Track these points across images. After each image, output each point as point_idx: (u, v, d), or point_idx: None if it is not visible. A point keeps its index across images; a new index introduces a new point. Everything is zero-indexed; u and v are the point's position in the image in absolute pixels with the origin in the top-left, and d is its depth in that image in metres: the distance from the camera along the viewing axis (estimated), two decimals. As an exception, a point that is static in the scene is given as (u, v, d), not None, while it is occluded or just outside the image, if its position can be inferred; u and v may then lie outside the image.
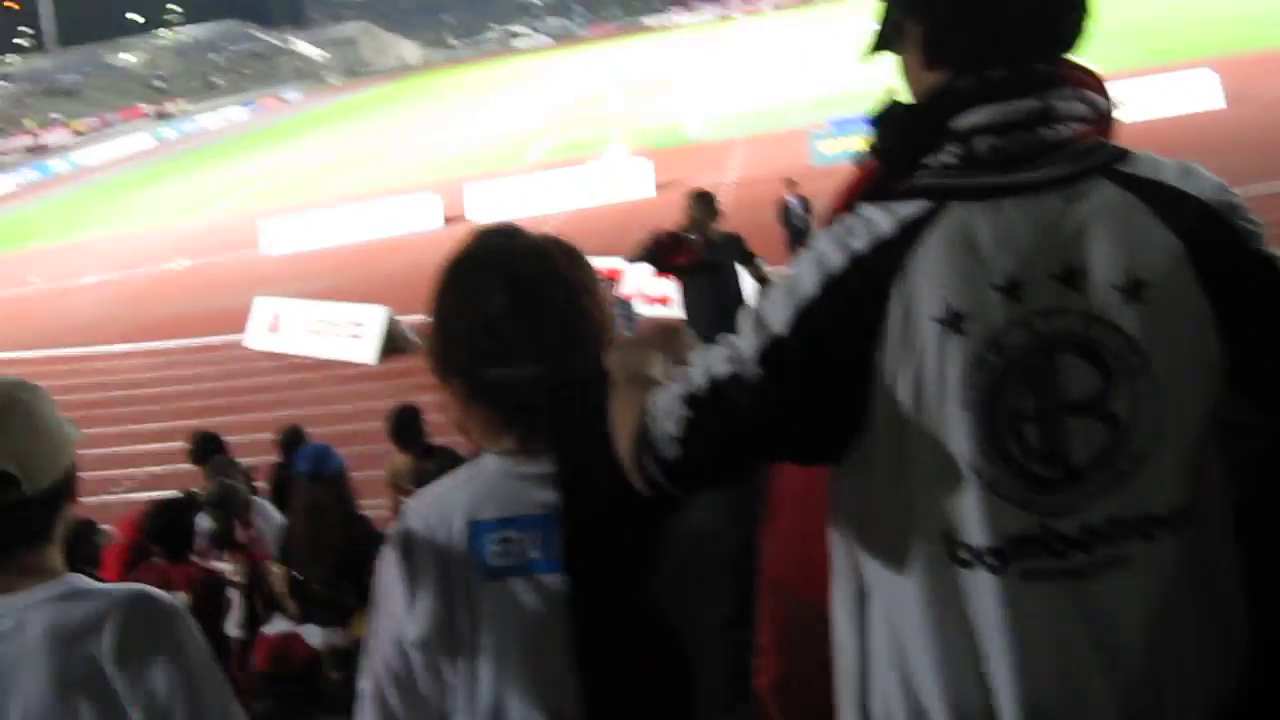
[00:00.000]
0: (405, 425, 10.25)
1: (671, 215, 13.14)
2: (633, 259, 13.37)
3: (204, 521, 9.30)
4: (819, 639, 2.26)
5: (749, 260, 12.68)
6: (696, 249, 12.67)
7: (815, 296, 2.00)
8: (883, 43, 2.23)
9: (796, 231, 21.25)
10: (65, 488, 2.91)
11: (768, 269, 12.52)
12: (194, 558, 8.78)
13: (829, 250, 2.03)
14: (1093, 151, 2.03)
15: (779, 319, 2.02)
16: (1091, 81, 2.10)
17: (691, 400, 2.07)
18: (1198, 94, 31.48)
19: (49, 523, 2.89)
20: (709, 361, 2.09)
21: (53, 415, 2.92)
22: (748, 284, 12.71)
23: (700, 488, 2.19)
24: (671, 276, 13.45)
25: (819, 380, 2.00)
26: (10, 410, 2.83)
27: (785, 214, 21.50)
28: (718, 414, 2.05)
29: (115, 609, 2.79)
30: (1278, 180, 19.87)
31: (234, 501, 9.25)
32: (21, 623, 2.78)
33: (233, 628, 8.47)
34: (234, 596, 8.57)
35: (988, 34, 2.05)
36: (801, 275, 2.04)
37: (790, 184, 21.85)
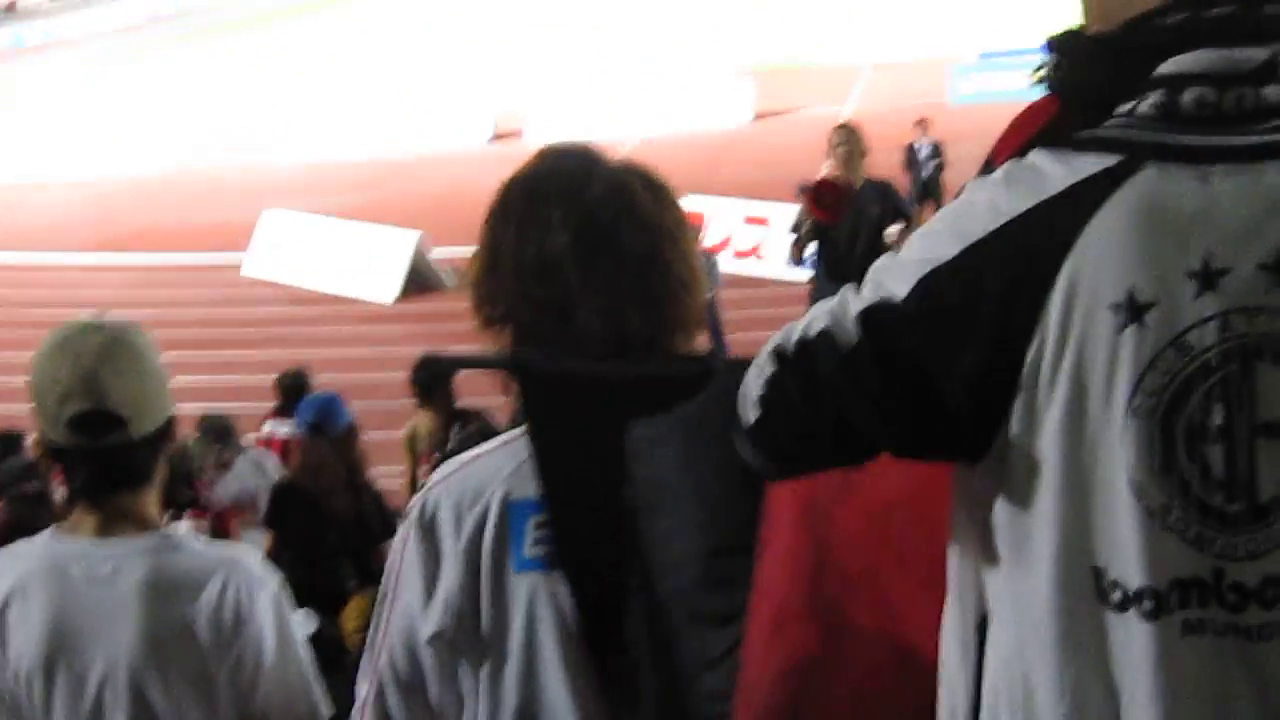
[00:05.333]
0: (433, 377, 10.21)
1: (770, 150, 12.94)
2: (795, 227, 13.04)
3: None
4: (849, 665, 2.24)
5: (901, 218, 12.41)
6: (846, 196, 12.30)
7: (949, 261, 1.92)
8: None
9: (923, 183, 21.19)
10: (168, 431, 3.34)
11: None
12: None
13: (977, 204, 1.95)
14: None
15: (899, 277, 1.97)
16: None
17: (779, 355, 2.05)
18: None
19: (151, 466, 3.32)
20: (815, 312, 2.04)
21: (158, 362, 3.34)
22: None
23: (792, 465, 2.15)
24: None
25: (933, 363, 1.94)
26: (120, 351, 3.23)
27: (911, 159, 21.44)
28: (799, 374, 2.02)
29: (214, 570, 3.24)
30: None
31: (180, 462, 9.35)
32: (118, 570, 3.20)
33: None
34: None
35: None
36: (937, 232, 1.98)
37: (921, 124, 21.76)
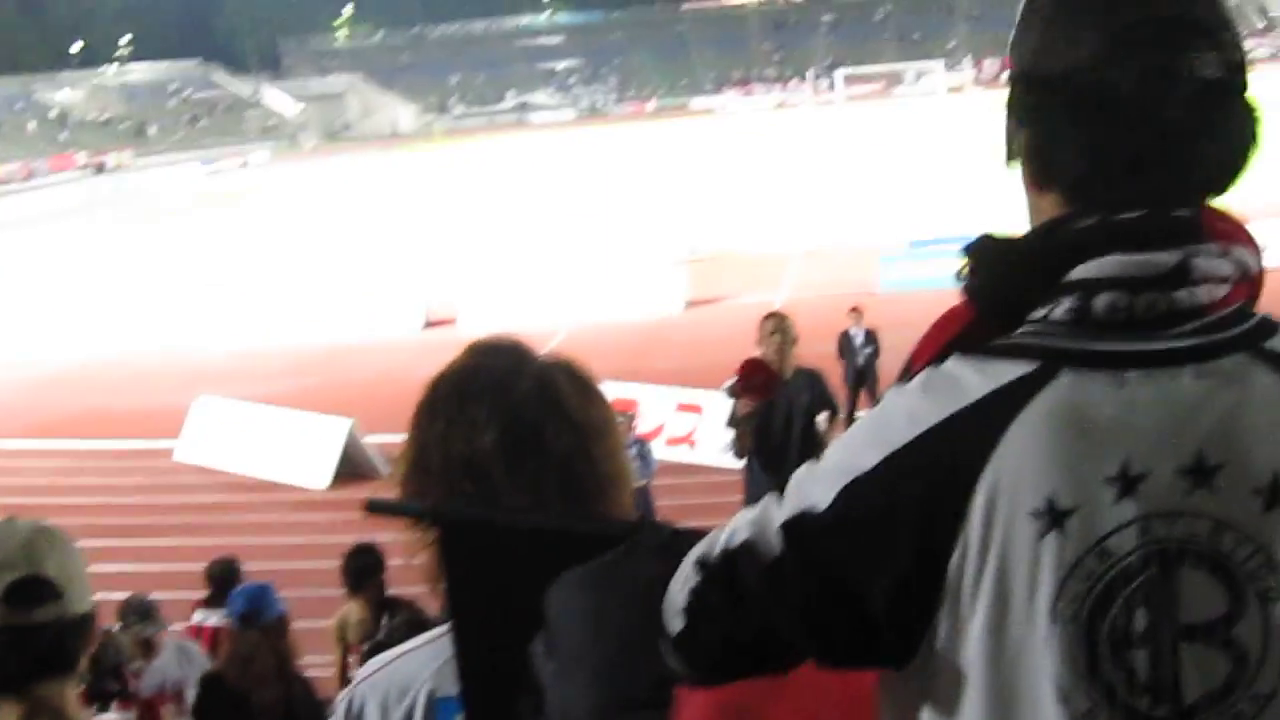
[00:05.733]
0: (363, 568, 10.20)
1: (702, 338, 13.03)
2: (731, 421, 13.15)
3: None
4: None
5: (827, 407, 12.62)
6: (773, 378, 12.57)
7: (869, 471, 1.93)
8: (1009, 151, 2.15)
9: (858, 370, 21.35)
10: (92, 622, 3.31)
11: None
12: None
13: (896, 414, 1.96)
14: (1236, 321, 1.95)
15: (820, 487, 1.97)
16: (1241, 235, 2.01)
17: (702, 565, 2.05)
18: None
19: (77, 653, 3.28)
20: (737, 522, 2.05)
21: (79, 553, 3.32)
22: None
23: (718, 673, 2.13)
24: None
25: (856, 573, 1.93)
26: (49, 532, 3.26)
27: (846, 346, 21.62)
28: (723, 585, 2.02)
29: None
30: None
31: (109, 654, 9.27)
32: None
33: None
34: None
35: (1112, 156, 1.97)
36: (857, 441, 1.98)
37: (855, 312, 21.97)
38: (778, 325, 12.79)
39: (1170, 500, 1.86)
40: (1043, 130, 2.05)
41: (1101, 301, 1.93)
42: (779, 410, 12.44)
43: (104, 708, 9.01)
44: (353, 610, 10.29)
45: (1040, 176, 2.07)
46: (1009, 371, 1.92)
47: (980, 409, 1.90)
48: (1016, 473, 1.87)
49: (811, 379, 12.89)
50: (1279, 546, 1.87)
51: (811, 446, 11.91)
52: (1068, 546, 1.86)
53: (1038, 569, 1.86)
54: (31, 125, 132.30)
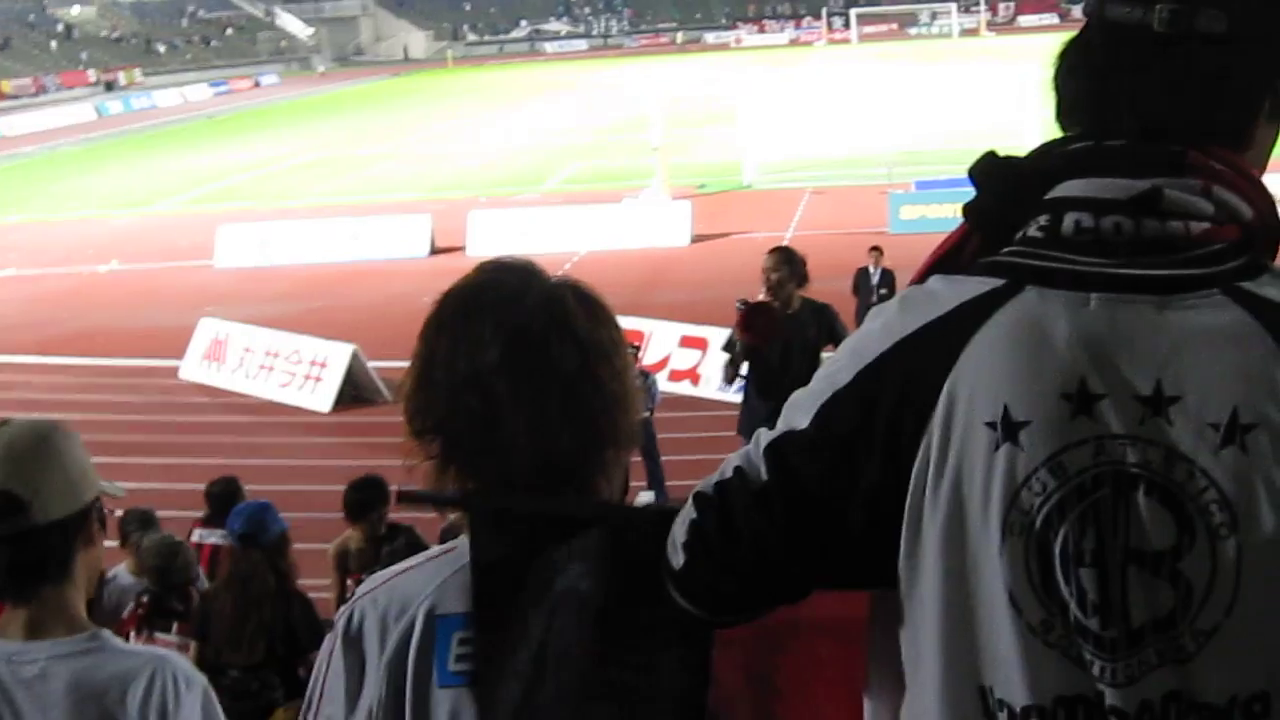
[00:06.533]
0: (365, 501, 10.14)
1: (705, 271, 12.86)
2: (728, 346, 13.03)
3: (125, 581, 9.27)
4: None
5: (837, 339, 12.13)
6: (775, 320, 12.34)
7: (845, 385, 2.00)
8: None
9: (871, 308, 21.33)
10: (80, 525, 3.39)
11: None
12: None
13: (874, 330, 2.04)
14: (1214, 258, 1.95)
15: (803, 410, 2.04)
16: (1233, 180, 2.01)
17: (699, 498, 2.10)
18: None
19: (66, 558, 3.37)
20: (731, 457, 2.10)
21: (75, 455, 3.42)
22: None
23: (721, 608, 2.16)
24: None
25: (835, 487, 1.99)
26: (30, 441, 3.35)
27: (861, 283, 21.61)
28: (717, 514, 2.06)
29: (141, 670, 3.33)
30: None
31: (178, 566, 9.14)
32: (45, 672, 3.28)
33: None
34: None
35: (1110, 94, 2.04)
36: (839, 359, 2.05)
37: (875, 251, 21.94)
38: (776, 261, 12.61)
39: (1125, 424, 1.89)
40: (1061, 69, 2.12)
41: (1069, 220, 2.00)
42: (778, 341, 12.28)
43: (165, 628, 8.89)
44: (353, 538, 10.27)
45: (1057, 111, 2.13)
46: (978, 287, 1.99)
47: (946, 321, 1.97)
48: (974, 383, 1.92)
49: (820, 312, 12.67)
50: (1232, 483, 1.87)
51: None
52: (1020, 458, 1.91)
53: (991, 479, 1.91)
54: (42, 40, 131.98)
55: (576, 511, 2.40)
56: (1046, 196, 2.02)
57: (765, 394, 12.29)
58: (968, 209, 2.14)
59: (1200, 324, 1.91)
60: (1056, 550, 1.89)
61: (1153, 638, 1.88)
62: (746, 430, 12.04)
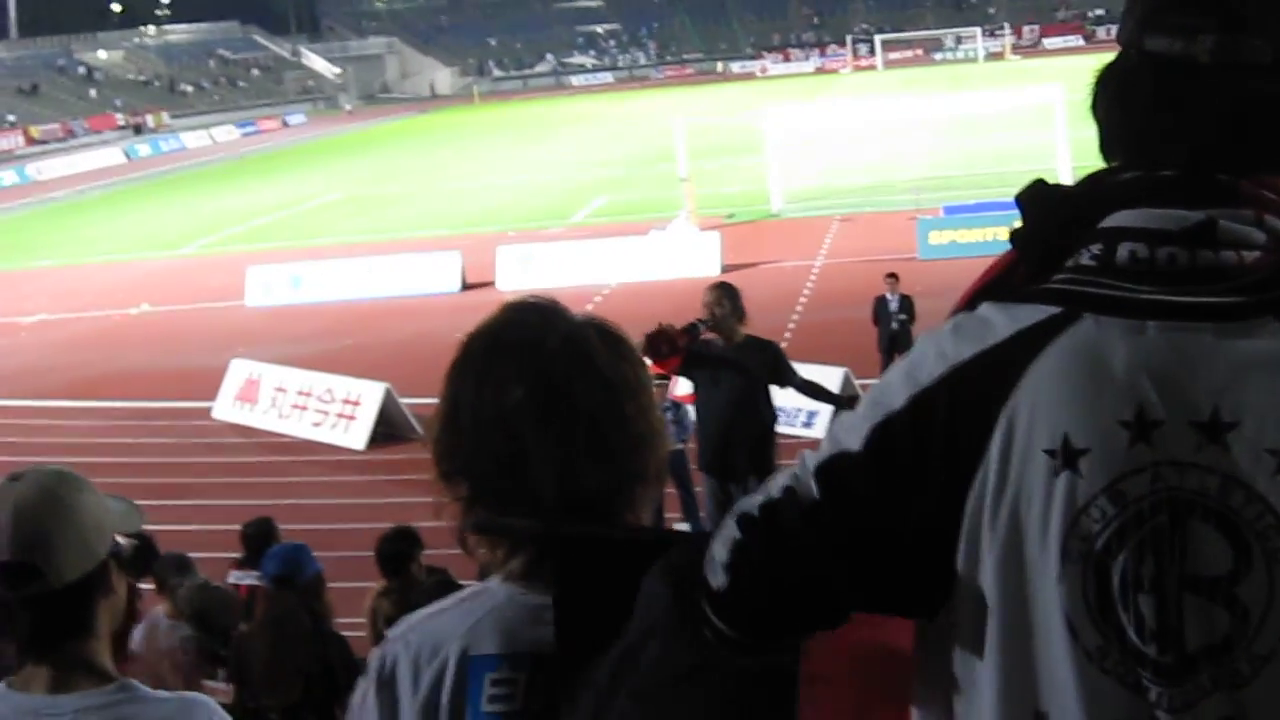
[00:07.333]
0: (398, 554, 9.86)
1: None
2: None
3: (163, 624, 9.29)
4: None
5: (782, 377, 12.49)
6: (716, 350, 12.47)
7: (899, 410, 2.00)
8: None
9: (891, 336, 21.33)
10: (99, 579, 3.34)
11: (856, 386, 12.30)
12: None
13: (927, 354, 2.03)
14: (1268, 286, 1.94)
15: (854, 432, 2.03)
16: None
17: (743, 519, 2.08)
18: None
19: (88, 615, 3.32)
20: (778, 478, 2.10)
21: (88, 508, 3.33)
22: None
23: (761, 632, 2.13)
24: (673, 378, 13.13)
25: (889, 511, 1.99)
26: (39, 504, 3.26)
27: (880, 312, 21.61)
28: (765, 535, 2.05)
29: (173, 719, 3.29)
30: None
31: (219, 611, 9.15)
32: None
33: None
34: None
35: (1160, 127, 2.04)
36: (891, 382, 2.05)
37: (892, 278, 21.92)
38: (722, 294, 12.63)
39: (1182, 451, 1.89)
40: (1107, 100, 2.13)
41: (1123, 250, 1.99)
42: (704, 371, 12.36)
43: (212, 675, 8.89)
44: (385, 598, 9.85)
45: (1102, 142, 2.14)
46: (1034, 314, 1.98)
47: (1004, 349, 1.97)
48: (1034, 411, 1.93)
49: (763, 349, 12.75)
50: None
51: (755, 420, 11.95)
52: (1080, 485, 1.91)
53: (1050, 506, 1.92)
54: (70, 85, 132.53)
55: (656, 539, 2.40)
56: (1099, 226, 2.02)
57: (701, 421, 12.50)
58: (1015, 235, 2.15)
59: (1257, 351, 1.91)
60: (1115, 577, 1.91)
61: (1207, 663, 1.89)
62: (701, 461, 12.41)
